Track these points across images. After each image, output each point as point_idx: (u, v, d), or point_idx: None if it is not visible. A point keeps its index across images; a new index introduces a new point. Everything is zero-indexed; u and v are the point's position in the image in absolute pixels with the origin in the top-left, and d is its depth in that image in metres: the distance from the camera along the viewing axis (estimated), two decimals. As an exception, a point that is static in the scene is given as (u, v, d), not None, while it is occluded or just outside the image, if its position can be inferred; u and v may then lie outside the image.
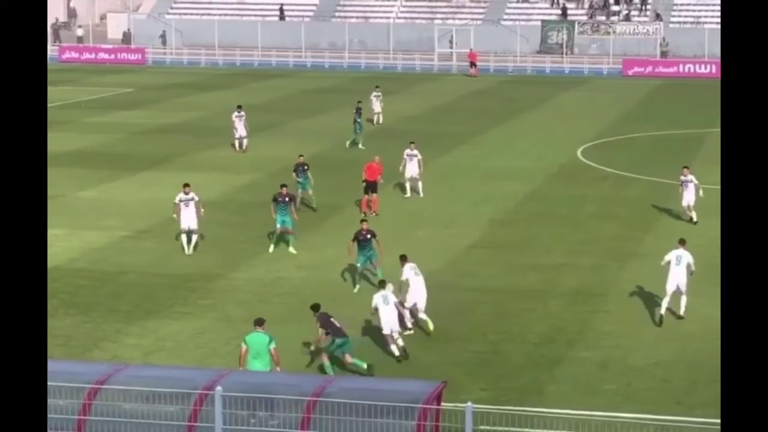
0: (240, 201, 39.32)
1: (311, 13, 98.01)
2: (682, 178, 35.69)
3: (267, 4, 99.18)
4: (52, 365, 19.65)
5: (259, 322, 21.40)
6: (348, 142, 49.62)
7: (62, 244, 33.24)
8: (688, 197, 35.46)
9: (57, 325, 26.05)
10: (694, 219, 35.31)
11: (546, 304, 27.99)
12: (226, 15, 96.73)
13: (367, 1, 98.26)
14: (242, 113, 49.34)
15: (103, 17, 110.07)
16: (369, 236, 29.03)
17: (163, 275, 30.28)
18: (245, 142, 49.01)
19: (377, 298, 24.44)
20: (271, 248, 32.51)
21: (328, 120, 58.76)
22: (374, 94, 57.21)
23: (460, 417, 17.33)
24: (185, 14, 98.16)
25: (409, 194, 39.56)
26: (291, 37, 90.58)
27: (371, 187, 37.30)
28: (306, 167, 37.63)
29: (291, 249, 32.43)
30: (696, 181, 35.58)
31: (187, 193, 32.84)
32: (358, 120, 50.02)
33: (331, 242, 33.40)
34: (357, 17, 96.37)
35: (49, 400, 17.11)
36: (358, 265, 29.01)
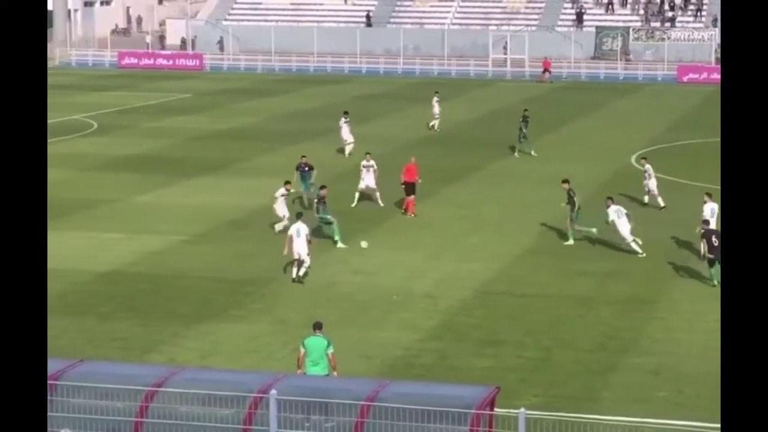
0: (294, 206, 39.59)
1: (366, 20, 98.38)
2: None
3: (323, 10, 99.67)
4: (110, 367, 20.07)
5: (318, 326, 21.55)
6: (516, 153, 49.15)
7: (120, 248, 33.71)
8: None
9: (116, 328, 26.47)
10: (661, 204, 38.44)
11: (598, 311, 28.02)
12: (282, 21, 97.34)
13: (422, 8, 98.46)
14: (347, 119, 49.50)
15: (162, 23, 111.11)
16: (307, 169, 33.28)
17: (219, 279, 30.61)
18: (348, 148, 49.19)
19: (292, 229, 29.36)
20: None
21: (383, 126, 59.02)
22: (435, 99, 57.34)
23: (513, 423, 17.41)
24: (242, 20, 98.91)
25: (355, 203, 38.57)
26: (346, 42, 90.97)
27: (410, 188, 37.77)
28: (307, 168, 38.59)
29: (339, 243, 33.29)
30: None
31: (288, 190, 33.96)
32: (524, 129, 49.10)
33: (384, 247, 33.62)
34: (412, 23, 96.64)
35: (107, 402, 17.43)
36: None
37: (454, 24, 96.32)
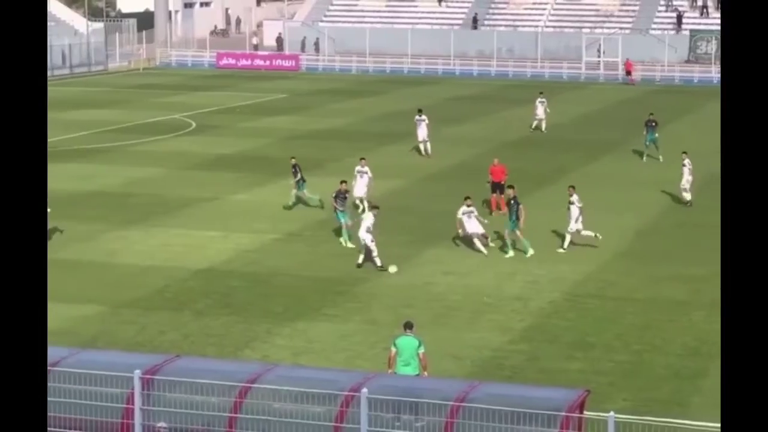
0: (389, 206, 39.78)
1: (461, 22, 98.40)
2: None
3: (418, 12, 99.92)
4: (205, 363, 20.45)
5: (409, 326, 21.65)
6: (644, 157, 48.86)
7: (216, 245, 34.26)
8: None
9: (211, 325, 26.96)
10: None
11: (690, 315, 27.87)
12: (377, 23, 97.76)
13: (516, 10, 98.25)
14: (423, 117, 49.75)
15: (259, 25, 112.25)
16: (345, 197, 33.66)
17: (313, 278, 30.97)
18: (422, 146, 49.54)
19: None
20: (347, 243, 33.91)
21: (476, 127, 59.08)
22: (539, 100, 57.26)
23: (603, 427, 17.43)
24: (338, 22, 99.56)
25: (361, 209, 37.65)
26: (440, 44, 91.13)
27: (498, 187, 38.13)
28: (299, 168, 38.80)
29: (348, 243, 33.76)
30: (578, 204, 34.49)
31: (469, 206, 33.33)
32: (651, 133, 48.69)
33: (476, 248, 33.72)
34: (506, 25, 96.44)
35: (202, 398, 17.73)
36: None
37: (547, 26, 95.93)
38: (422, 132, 49.59)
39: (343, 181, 35.19)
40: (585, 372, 23.98)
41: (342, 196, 34.47)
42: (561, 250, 33.65)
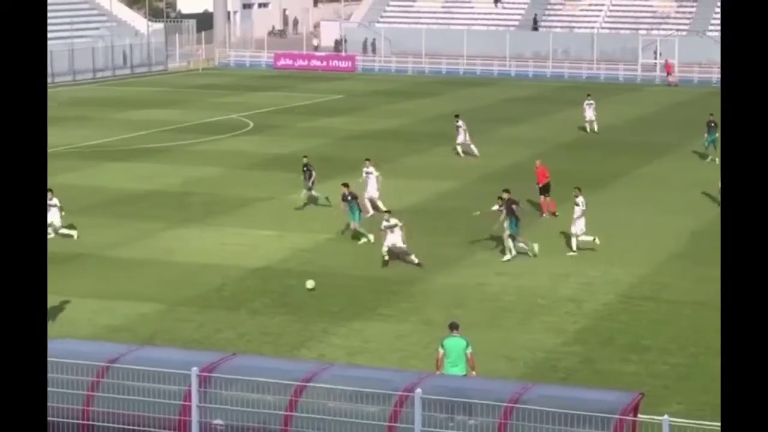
0: (443, 207, 40.01)
1: (517, 23, 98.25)
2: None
3: (474, 13, 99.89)
4: (261, 361, 20.64)
5: (455, 326, 21.76)
6: (709, 158, 48.73)
7: (273, 245, 34.56)
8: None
9: (268, 323, 27.23)
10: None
11: (747, 320, 27.70)
12: (433, 24, 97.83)
13: (572, 11, 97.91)
14: (460, 122, 50.01)
15: (316, 25, 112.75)
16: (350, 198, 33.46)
17: (368, 278, 31.16)
18: (459, 148, 49.83)
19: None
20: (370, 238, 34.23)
21: (531, 128, 59.04)
22: (586, 102, 57.16)
23: (657, 430, 17.43)
24: (394, 23, 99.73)
25: (371, 213, 37.77)
26: (496, 45, 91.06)
27: (544, 189, 38.18)
28: (310, 167, 39.14)
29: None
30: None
31: (387, 220, 33.05)
32: (711, 134, 48.46)
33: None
34: (562, 27, 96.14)
35: (258, 396, 17.90)
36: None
37: (603, 28, 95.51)
38: (461, 136, 49.96)
39: (344, 184, 35.38)
40: (639, 375, 23.97)
41: (346, 198, 34.79)
42: (571, 253, 33.49)
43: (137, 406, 17.81)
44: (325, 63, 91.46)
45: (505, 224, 32.86)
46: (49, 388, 17.19)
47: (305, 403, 17.86)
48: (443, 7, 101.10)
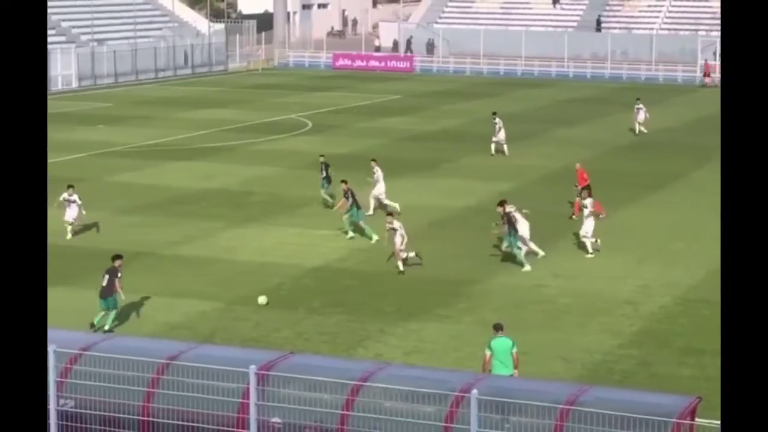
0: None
1: (575, 24, 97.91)
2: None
3: (532, 14, 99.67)
4: (318, 360, 20.80)
5: (500, 327, 21.96)
6: None
7: (330, 244, 34.77)
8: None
9: (325, 323, 27.43)
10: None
11: (806, 324, 27.51)
12: (491, 25, 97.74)
13: (631, 12, 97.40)
14: (496, 120, 50.13)
15: (375, 26, 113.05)
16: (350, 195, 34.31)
17: (425, 278, 31.26)
18: (495, 147, 50.26)
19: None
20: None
21: (588, 130, 58.86)
22: (637, 106, 57.05)
23: (713, 433, 17.44)
24: (453, 24, 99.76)
25: (372, 212, 38.08)
26: (554, 46, 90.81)
27: (586, 190, 38.01)
28: (327, 166, 39.51)
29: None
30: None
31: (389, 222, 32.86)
32: None
33: (586, 251, 33.70)
34: (620, 28, 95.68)
35: (315, 394, 18.04)
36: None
37: (662, 29, 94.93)
38: (501, 134, 50.53)
39: (343, 181, 35.96)
40: (696, 378, 23.88)
41: (346, 195, 35.38)
42: (589, 256, 33.34)
43: (196, 403, 17.99)
44: (383, 63, 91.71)
45: (508, 238, 32.27)
46: (110, 384, 17.53)
47: (362, 403, 17.90)
48: (502, 7, 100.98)
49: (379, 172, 39.10)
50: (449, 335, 26.59)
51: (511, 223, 32.22)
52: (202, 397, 17.87)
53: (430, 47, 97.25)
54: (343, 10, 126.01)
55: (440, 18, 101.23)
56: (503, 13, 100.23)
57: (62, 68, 78.35)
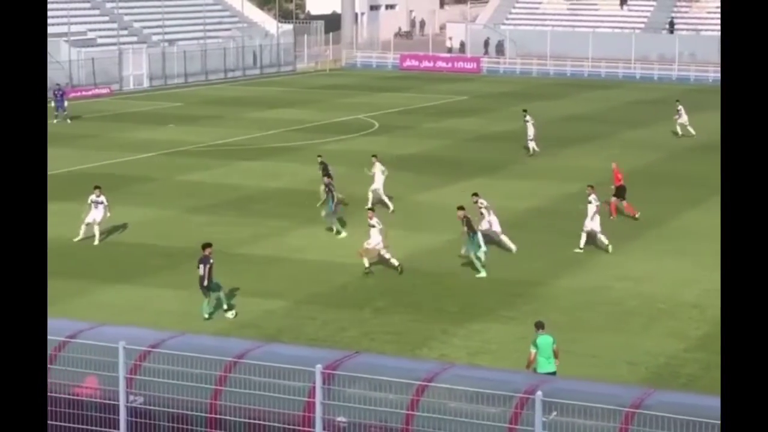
0: (565, 210, 39.92)
1: (642, 25, 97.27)
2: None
3: (599, 15, 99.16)
4: (384, 360, 20.88)
5: (541, 325, 22.64)
6: None
7: (397, 244, 34.80)
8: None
9: (390, 322, 27.59)
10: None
11: None
12: (558, 26, 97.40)
13: (699, 14, 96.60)
14: (528, 118, 50.90)
15: (442, 27, 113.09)
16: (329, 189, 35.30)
17: (491, 279, 31.31)
18: (530, 144, 51.05)
19: None
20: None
21: (654, 132, 58.50)
22: (678, 107, 56.95)
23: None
24: (520, 25, 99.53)
25: (369, 204, 38.50)
26: (621, 48, 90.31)
27: (619, 191, 38.46)
28: (324, 167, 39.99)
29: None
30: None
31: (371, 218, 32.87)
32: None
33: (653, 255, 33.59)
34: (688, 29, 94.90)
35: (380, 394, 18.15)
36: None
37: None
38: (531, 131, 51.23)
39: (326, 175, 37.37)
40: (763, 383, 23.71)
41: (327, 190, 36.51)
42: (578, 250, 33.69)
43: (262, 402, 18.18)
44: (450, 64, 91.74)
45: (467, 243, 31.77)
46: (179, 381, 17.77)
47: (426, 403, 17.97)
48: (568, 9, 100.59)
49: (378, 167, 39.96)
50: (514, 336, 26.63)
51: (470, 226, 31.74)
52: (269, 396, 18.03)
53: (500, 48, 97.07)
54: (411, 11, 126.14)
55: (507, 19, 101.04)
56: (570, 14, 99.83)
57: (134, 68, 79.30)
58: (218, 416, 18.09)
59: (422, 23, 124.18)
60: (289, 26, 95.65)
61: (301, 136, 56.72)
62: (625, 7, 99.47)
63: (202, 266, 27.53)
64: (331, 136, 56.73)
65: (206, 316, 27.72)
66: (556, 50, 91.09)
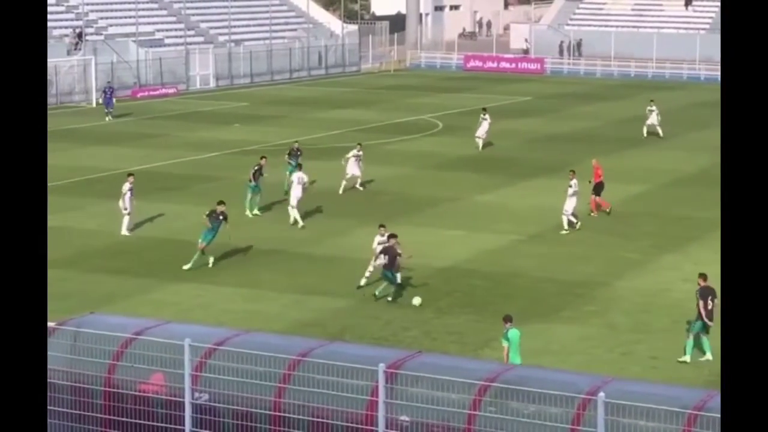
0: (629, 211, 39.79)
1: (707, 26, 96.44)
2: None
3: (664, 16, 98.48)
4: (446, 360, 20.96)
5: (510, 318, 23.54)
6: None
7: (459, 244, 35.02)
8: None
9: (452, 322, 27.69)
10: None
11: None
12: (623, 27, 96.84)
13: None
14: (486, 116, 52.61)
15: (506, 28, 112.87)
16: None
17: (552, 280, 31.33)
18: (479, 142, 52.45)
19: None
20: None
21: (718, 134, 57.98)
22: (648, 108, 56.77)
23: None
24: (584, 25, 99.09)
25: (341, 191, 42.02)
26: (686, 49, 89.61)
27: (597, 188, 39.00)
28: (299, 153, 41.93)
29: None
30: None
31: (382, 235, 31.66)
32: None
33: (716, 257, 33.32)
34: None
35: (442, 394, 18.20)
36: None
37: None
38: (482, 129, 52.35)
39: (263, 157, 39.72)
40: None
41: (255, 175, 38.35)
42: (563, 232, 35.46)
43: (326, 400, 18.33)
44: (514, 65, 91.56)
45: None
46: (242, 379, 17.97)
47: (488, 403, 18.03)
48: (633, 9, 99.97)
49: (352, 153, 42.57)
50: (576, 337, 26.63)
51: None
52: (332, 394, 18.17)
53: (577, 47, 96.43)
54: (475, 12, 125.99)
55: (571, 19, 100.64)
56: (634, 15, 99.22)
57: (200, 68, 79.98)
58: (282, 414, 18.25)
59: (489, 24, 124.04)
60: (354, 27, 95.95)
61: (364, 137, 56.82)
62: (690, 8, 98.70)
63: (382, 255, 29.10)
64: (394, 136, 56.89)
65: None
66: (620, 51, 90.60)
